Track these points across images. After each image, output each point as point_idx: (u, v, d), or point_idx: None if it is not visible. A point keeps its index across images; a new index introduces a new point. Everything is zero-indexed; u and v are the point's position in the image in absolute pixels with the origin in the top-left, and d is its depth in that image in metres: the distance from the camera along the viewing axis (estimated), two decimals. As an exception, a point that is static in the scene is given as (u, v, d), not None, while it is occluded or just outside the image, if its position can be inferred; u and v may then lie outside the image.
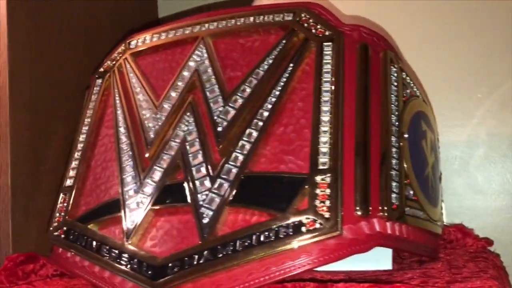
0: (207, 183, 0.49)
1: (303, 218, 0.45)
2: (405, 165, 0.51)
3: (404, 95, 0.55)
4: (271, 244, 0.45)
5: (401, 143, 0.51)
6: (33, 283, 0.57)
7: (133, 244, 0.50)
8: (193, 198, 0.49)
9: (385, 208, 0.47)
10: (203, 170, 0.50)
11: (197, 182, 0.50)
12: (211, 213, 0.48)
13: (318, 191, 0.46)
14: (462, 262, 0.58)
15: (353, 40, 0.54)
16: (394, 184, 0.49)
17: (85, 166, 0.58)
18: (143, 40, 0.63)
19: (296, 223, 0.45)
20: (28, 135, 0.67)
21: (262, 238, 0.45)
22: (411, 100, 0.56)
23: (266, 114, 0.51)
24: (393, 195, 0.48)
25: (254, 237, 0.45)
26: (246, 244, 0.45)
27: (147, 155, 0.54)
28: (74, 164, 0.59)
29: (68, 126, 0.72)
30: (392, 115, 0.52)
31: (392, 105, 0.52)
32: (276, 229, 0.45)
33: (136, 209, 0.51)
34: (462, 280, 0.48)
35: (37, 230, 0.67)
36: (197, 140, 0.52)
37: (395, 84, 0.54)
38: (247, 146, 0.50)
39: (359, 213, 0.46)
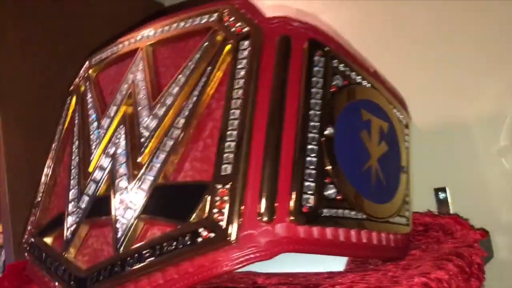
0: (125, 195, 0.50)
1: (201, 228, 0.44)
2: (327, 163, 0.48)
3: (333, 85, 0.51)
4: (171, 256, 0.45)
5: (322, 139, 0.48)
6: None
7: (69, 256, 0.53)
8: (114, 210, 0.51)
9: (293, 211, 0.45)
10: (124, 183, 0.51)
11: (117, 195, 0.51)
12: (124, 225, 0.49)
13: (217, 198, 0.45)
14: (427, 260, 0.52)
15: (273, 33, 0.51)
16: (307, 184, 0.46)
17: (53, 182, 0.63)
18: (102, 55, 0.66)
19: (194, 233, 0.45)
20: (22, 146, 0.73)
21: (164, 250, 0.45)
22: (345, 90, 0.52)
23: (182, 121, 0.51)
24: (305, 197, 0.46)
25: (157, 249, 0.46)
26: (149, 255, 0.46)
27: (89, 169, 0.57)
28: (43, 179, 0.64)
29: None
30: (312, 110, 0.49)
31: (312, 99, 0.49)
32: (176, 240, 0.45)
33: (74, 222, 0.54)
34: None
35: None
36: (124, 152, 0.53)
37: (319, 75, 0.50)
38: (162, 156, 0.50)
39: (264, 218, 0.44)
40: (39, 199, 0.63)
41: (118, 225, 0.49)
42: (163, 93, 0.54)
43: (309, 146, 0.47)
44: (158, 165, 0.50)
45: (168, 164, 0.50)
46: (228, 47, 0.52)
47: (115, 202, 0.51)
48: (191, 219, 0.45)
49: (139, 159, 0.51)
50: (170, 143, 0.50)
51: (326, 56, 0.51)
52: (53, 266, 0.53)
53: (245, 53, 0.51)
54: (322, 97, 0.50)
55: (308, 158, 0.47)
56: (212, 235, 0.44)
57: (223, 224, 0.44)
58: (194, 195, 0.46)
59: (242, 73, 0.50)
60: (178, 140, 0.50)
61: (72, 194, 0.56)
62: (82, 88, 0.65)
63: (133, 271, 0.46)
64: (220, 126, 0.48)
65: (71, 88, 0.68)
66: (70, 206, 0.55)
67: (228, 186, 0.45)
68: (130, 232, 0.48)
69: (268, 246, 0.44)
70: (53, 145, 0.66)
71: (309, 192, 0.46)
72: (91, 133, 0.59)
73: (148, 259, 0.46)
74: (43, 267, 0.55)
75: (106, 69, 0.65)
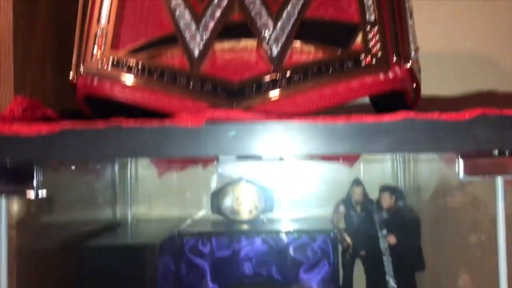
0: (270, 23, 0.54)
1: (361, 55, 0.53)
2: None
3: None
4: (337, 73, 0.52)
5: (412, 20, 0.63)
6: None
7: (202, 71, 0.52)
8: (258, 34, 0.54)
9: (407, 59, 0.58)
10: (264, 13, 0.54)
11: (259, 22, 0.54)
12: (278, 47, 0.53)
13: (369, 36, 0.55)
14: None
15: None
16: (412, 46, 0.60)
17: (120, 6, 0.57)
18: None
19: (356, 58, 0.53)
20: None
21: (329, 68, 0.52)
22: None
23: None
24: (412, 51, 0.60)
25: (322, 67, 0.52)
26: (316, 72, 0.52)
27: (196, -3, 0.56)
28: (106, 3, 0.57)
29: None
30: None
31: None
32: (340, 62, 0.53)
33: (199, 42, 0.54)
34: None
35: (31, 78, 0.63)
36: (253, -13, 0.56)
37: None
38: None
39: (396, 59, 0.56)
40: (105, 21, 0.56)
41: (271, 47, 0.53)
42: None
43: (409, 21, 0.61)
44: (299, 5, 0.55)
45: (309, 6, 0.55)
46: None
47: (257, 28, 0.54)
48: (349, 48, 0.54)
49: (275, -1, 0.56)
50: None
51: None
52: (179, 81, 0.52)
53: None
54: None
55: (409, 29, 0.61)
56: (373, 62, 0.53)
57: (380, 55, 0.54)
58: (347, 30, 0.55)
59: None
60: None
61: (184, 16, 0.55)
62: None
63: (302, 84, 0.51)
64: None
65: None
66: (189, 27, 0.54)
67: (375, 29, 0.55)
68: (286, 54, 0.53)
69: (399, 80, 0.56)
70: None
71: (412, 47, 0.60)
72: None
73: (316, 75, 0.52)
74: (153, 84, 0.52)
75: None
